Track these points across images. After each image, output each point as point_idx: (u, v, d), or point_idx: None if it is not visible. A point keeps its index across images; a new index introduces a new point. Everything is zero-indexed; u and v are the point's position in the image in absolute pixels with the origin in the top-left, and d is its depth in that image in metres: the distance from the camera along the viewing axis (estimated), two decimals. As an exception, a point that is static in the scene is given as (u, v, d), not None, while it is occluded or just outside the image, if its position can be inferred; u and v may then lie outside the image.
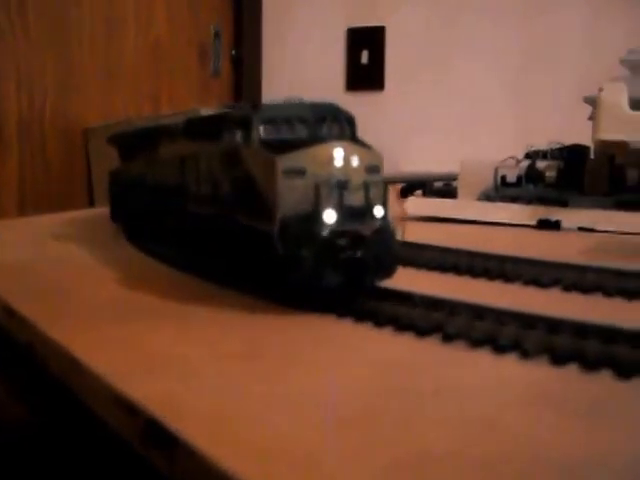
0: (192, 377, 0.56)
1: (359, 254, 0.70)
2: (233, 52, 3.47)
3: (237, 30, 3.47)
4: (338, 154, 0.71)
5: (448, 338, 0.63)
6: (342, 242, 0.70)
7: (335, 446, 0.44)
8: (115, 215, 1.35)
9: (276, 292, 0.74)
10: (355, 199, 0.72)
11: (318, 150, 0.72)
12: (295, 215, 0.71)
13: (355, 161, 0.72)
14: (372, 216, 0.72)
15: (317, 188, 0.70)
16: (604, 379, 0.54)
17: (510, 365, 0.57)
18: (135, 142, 1.20)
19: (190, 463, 0.43)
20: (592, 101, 1.36)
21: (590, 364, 0.56)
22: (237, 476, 0.39)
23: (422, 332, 0.64)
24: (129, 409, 0.50)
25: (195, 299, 0.80)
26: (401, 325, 0.67)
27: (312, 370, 0.58)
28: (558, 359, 0.57)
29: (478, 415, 0.48)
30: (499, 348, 0.60)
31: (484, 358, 0.59)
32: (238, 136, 0.78)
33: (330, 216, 0.69)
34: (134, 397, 0.51)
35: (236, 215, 0.78)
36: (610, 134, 1.24)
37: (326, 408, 0.50)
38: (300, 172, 0.71)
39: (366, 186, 0.72)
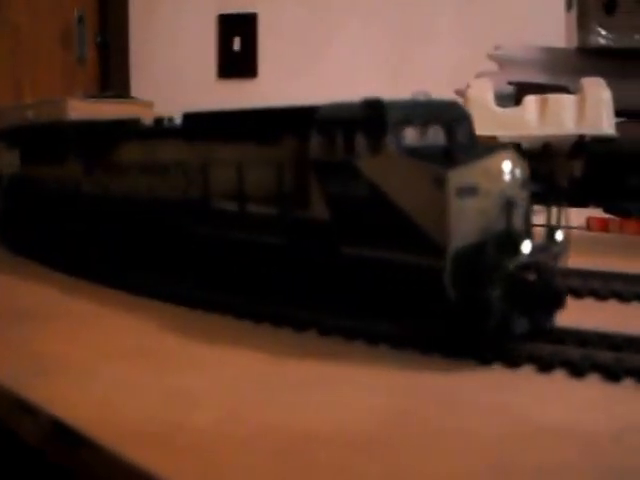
0: (88, 377, 0.57)
1: (549, 290, 0.56)
2: (98, 38, 3.35)
3: (102, 15, 3.35)
4: (507, 167, 0.57)
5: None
6: (531, 277, 0.56)
7: (229, 434, 0.46)
8: (8, 230, 1.10)
9: (439, 343, 0.57)
10: (535, 221, 0.59)
11: (490, 162, 0.57)
12: (471, 246, 0.54)
13: (518, 174, 0.58)
14: (553, 241, 0.59)
15: (508, 210, 0.56)
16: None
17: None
18: (52, 141, 0.97)
19: (96, 460, 0.44)
20: (462, 94, 1.38)
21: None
22: (142, 468, 0.41)
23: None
24: (31, 412, 0.50)
25: (85, 302, 0.78)
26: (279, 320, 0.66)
27: (204, 367, 0.59)
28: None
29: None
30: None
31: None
32: (357, 142, 0.59)
33: (527, 246, 0.55)
34: (35, 400, 0.51)
35: (343, 245, 0.59)
36: (479, 130, 1.27)
37: (218, 400, 0.52)
38: (473, 191, 0.55)
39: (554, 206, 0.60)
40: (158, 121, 0.80)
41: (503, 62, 1.42)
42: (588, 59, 1.39)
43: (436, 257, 0.54)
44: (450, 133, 0.61)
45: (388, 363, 0.57)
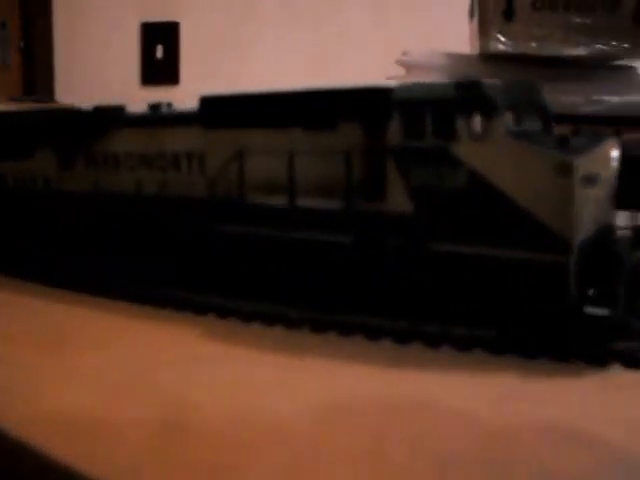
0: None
1: None
2: (22, 43, 3.32)
3: (25, 20, 3.32)
4: (616, 155, 0.53)
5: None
6: None
7: (120, 411, 0.48)
8: None
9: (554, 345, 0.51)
10: None
11: (606, 150, 0.52)
12: (591, 238, 0.49)
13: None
14: None
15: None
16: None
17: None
18: (15, 133, 0.83)
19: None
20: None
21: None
22: (42, 450, 0.42)
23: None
24: None
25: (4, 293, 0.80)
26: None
27: (100, 348, 0.61)
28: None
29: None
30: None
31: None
32: (457, 126, 0.51)
33: None
34: None
35: (430, 241, 0.51)
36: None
37: (112, 379, 0.54)
38: (594, 179, 0.50)
39: None
40: (155, 107, 0.72)
41: (410, 67, 1.49)
42: (488, 64, 1.48)
43: (558, 251, 0.48)
44: (546, 118, 0.55)
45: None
